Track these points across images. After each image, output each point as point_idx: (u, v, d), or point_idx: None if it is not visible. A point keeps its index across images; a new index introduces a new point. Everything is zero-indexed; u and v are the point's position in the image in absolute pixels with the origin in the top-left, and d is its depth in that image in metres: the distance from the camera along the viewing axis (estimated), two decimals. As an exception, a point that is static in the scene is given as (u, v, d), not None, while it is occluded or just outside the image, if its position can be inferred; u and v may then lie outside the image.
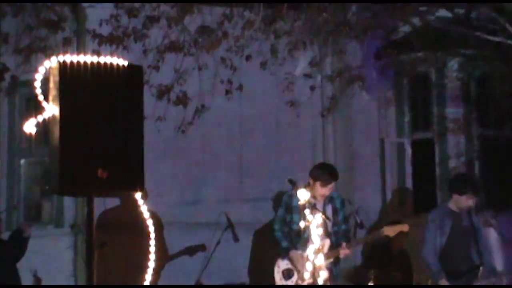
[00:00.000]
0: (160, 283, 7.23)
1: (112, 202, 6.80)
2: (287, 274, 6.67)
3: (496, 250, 7.27)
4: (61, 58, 4.50)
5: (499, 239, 7.70)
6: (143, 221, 5.14)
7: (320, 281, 6.03)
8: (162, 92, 8.36)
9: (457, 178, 7.61)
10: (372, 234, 7.06)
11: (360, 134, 9.47)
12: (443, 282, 6.75)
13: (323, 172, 6.77)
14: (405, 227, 6.70)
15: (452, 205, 6.98)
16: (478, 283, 6.67)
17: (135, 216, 6.31)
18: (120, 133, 4.66)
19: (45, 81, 4.58)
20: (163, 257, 7.28)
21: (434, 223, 6.95)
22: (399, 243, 7.80)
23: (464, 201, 6.91)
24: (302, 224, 6.30)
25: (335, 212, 6.74)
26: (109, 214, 7.11)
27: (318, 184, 6.68)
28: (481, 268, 6.77)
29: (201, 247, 7.63)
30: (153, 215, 6.12)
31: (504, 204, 9.14)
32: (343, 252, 6.67)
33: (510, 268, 7.21)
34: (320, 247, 6.24)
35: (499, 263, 7.09)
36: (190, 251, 7.64)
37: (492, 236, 7.28)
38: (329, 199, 6.77)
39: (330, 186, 6.70)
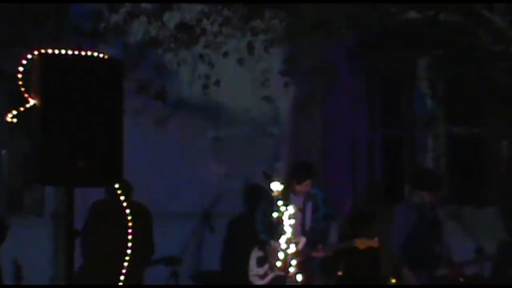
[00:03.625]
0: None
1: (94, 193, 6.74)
2: (261, 261, 6.72)
3: (459, 241, 7.32)
4: (43, 50, 4.47)
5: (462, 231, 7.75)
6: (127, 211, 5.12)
7: (292, 269, 6.09)
8: (142, 86, 8.33)
9: (419, 174, 7.68)
10: (344, 244, 7.13)
11: (333, 129, 9.49)
12: (405, 272, 6.78)
13: (298, 170, 6.78)
14: (374, 243, 6.77)
15: (416, 199, 7.03)
16: (439, 273, 6.72)
17: (121, 208, 6.29)
18: (100, 125, 4.64)
19: (27, 74, 4.54)
20: (148, 248, 7.22)
21: (400, 216, 6.99)
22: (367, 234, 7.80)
23: (426, 196, 6.96)
24: (275, 215, 6.36)
25: (315, 209, 6.74)
26: (98, 206, 7.08)
27: (294, 182, 6.70)
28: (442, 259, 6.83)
29: (177, 261, 7.58)
30: (141, 207, 6.08)
31: (468, 198, 9.23)
32: (316, 254, 6.70)
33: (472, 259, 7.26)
34: (296, 243, 6.30)
35: (460, 254, 7.13)
36: (166, 261, 7.60)
37: (455, 228, 7.33)
38: (311, 196, 6.77)
39: (306, 183, 6.70)
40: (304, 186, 6.66)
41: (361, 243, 6.63)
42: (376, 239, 6.76)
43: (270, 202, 6.77)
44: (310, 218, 6.59)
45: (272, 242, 6.66)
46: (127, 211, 5.15)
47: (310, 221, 6.60)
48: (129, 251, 5.23)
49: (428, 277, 6.71)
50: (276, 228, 6.65)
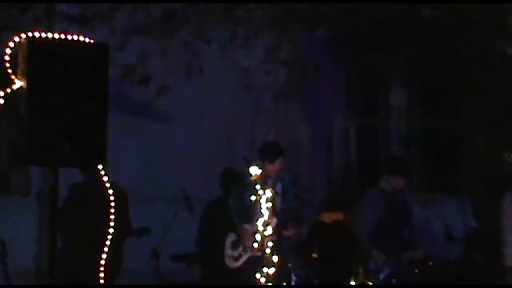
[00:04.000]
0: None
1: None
2: (235, 244, 6.77)
3: (430, 228, 7.38)
4: (30, 34, 4.48)
5: (435, 219, 7.80)
6: (105, 193, 5.15)
7: (268, 251, 6.18)
8: (127, 72, 8.33)
9: (388, 160, 7.70)
10: (312, 221, 7.15)
11: (311, 118, 9.57)
12: (376, 254, 6.80)
13: (268, 150, 6.79)
14: (340, 216, 6.78)
15: (385, 185, 7.01)
16: (408, 256, 6.76)
17: (100, 189, 6.31)
18: (86, 107, 4.67)
19: (15, 56, 4.55)
20: (126, 229, 7.23)
21: (368, 202, 6.99)
22: (342, 218, 7.84)
23: (394, 182, 6.94)
24: (253, 198, 6.41)
25: (284, 190, 6.77)
26: (76, 188, 7.06)
27: (266, 162, 6.70)
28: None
29: (146, 231, 7.59)
30: (117, 188, 6.07)
31: (440, 186, 9.33)
32: (286, 233, 6.73)
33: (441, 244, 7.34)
34: (270, 220, 6.33)
35: (430, 239, 7.19)
36: (136, 233, 7.60)
37: (426, 215, 7.38)
38: (280, 178, 6.80)
39: (277, 162, 6.71)
40: (277, 165, 6.67)
41: (326, 217, 6.67)
42: (340, 213, 6.77)
43: (243, 186, 6.79)
44: (280, 199, 6.61)
45: (245, 225, 6.69)
46: (110, 191, 5.18)
47: (280, 202, 6.62)
48: (110, 231, 5.25)
49: (396, 261, 6.74)
50: (249, 212, 6.68)
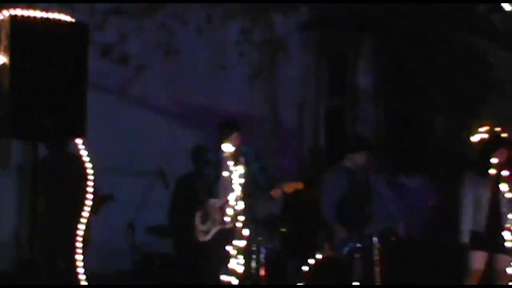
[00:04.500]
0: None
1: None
2: (203, 219, 6.82)
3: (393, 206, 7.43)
4: (12, 11, 4.50)
5: (398, 199, 7.87)
6: (77, 165, 5.19)
7: (239, 224, 6.26)
8: (106, 51, 8.33)
9: (351, 138, 7.70)
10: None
11: (282, 99, 9.63)
12: (339, 228, 6.86)
13: (224, 126, 6.78)
14: (299, 185, 6.68)
15: (347, 163, 7.04)
16: (367, 232, 6.81)
17: (68, 161, 6.32)
18: (66, 83, 4.71)
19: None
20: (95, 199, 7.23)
21: (331, 179, 7.01)
22: (310, 195, 7.93)
23: (357, 159, 6.95)
24: (225, 174, 6.48)
25: (247, 163, 6.74)
26: (45, 162, 7.06)
27: (224, 139, 6.72)
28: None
29: (109, 197, 7.57)
30: (79, 160, 6.08)
31: (405, 167, 9.46)
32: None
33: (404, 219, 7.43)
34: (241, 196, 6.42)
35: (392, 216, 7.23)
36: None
37: (390, 196, 7.45)
38: (241, 153, 6.76)
39: (234, 136, 6.70)
40: (233, 140, 6.65)
41: (287, 187, 6.61)
42: (299, 182, 6.68)
43: (208, 161, 6.82)
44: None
45: (211, 199, 6.72)
46: (89, 165, 5.22)
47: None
48: (88, 203, 5.29)
49: (358, 236, 6.81)
50: (215, 186, 6.71)
